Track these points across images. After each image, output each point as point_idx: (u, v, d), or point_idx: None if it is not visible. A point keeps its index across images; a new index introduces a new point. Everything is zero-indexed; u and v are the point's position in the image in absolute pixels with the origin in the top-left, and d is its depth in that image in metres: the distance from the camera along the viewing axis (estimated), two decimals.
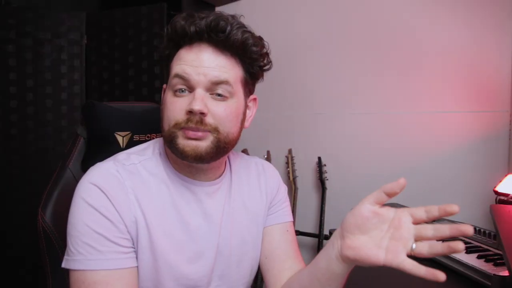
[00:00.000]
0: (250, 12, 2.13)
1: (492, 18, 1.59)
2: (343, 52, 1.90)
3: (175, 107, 0.71)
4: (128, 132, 0.97)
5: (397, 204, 1.68)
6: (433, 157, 1.71)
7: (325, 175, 1.89)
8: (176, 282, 0.74)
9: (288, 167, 1.95)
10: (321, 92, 1.96)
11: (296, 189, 1.91)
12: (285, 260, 0.84)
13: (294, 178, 1.93)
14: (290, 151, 1.97)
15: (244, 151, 2.06)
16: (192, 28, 0.70)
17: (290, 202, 1.87)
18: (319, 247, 1.80)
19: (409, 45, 1.75)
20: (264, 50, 0.76)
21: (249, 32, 0.73)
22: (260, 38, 0.76)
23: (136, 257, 0.71)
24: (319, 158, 1.91)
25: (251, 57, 0.74)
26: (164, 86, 0.79)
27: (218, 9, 2.16)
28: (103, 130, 0.95)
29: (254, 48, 0.74)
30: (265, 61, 0.77)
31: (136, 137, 0.98)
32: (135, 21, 1.92)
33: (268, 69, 0.79)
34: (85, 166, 0.90)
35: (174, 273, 0.73)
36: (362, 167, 1.86)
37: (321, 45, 1.95)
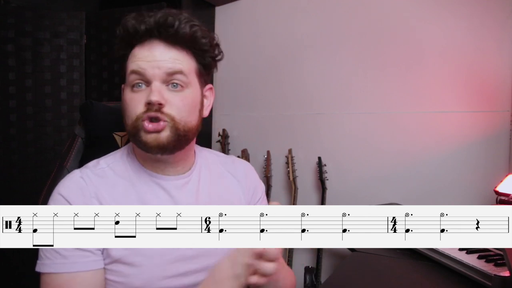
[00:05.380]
0: (250, 12, 2.13)
1: (492, 18, 1.59)
2: (343, 52, 1.90)
3: (134, 101, 0.74)
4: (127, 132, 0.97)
5: (398, 204, 1.68)
6: (433, 157, 1.70)
7: (325, 175, 1.89)
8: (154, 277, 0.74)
9: (288, 167, 1.94)
10: (321, 92, 1.96)
11: (296, 189, 1.91)
12: None
13: (294, 178, 1.92)
14: (290, 151, 1.97)
15: (244, 151, 2.05)
16: (143, 27, 0.74)
17: (290, 202, 1.88)
18: (319, 248, 1.80)
19: (409, 45, 1.75)
20: (214, 42, 0.81)
21: (197, 25, 0.77)
22: (209, 31, 0.80)
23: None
24: (319, 158, 1.90)
25: (202, 49, 0.78)
26: (123, 86, 0.82)
27: (218, 9, 2.15)
28: (102, 130, 0.95)
29: (204, 40, 0.78)
30: (216, 52, 0.82)
31: None
32: None
33: (220, 59, 0.83)
34: None
35: (149, 269, 0.74)
36: (362, 167, 1.86)
37: (321, 45, 1.95)
